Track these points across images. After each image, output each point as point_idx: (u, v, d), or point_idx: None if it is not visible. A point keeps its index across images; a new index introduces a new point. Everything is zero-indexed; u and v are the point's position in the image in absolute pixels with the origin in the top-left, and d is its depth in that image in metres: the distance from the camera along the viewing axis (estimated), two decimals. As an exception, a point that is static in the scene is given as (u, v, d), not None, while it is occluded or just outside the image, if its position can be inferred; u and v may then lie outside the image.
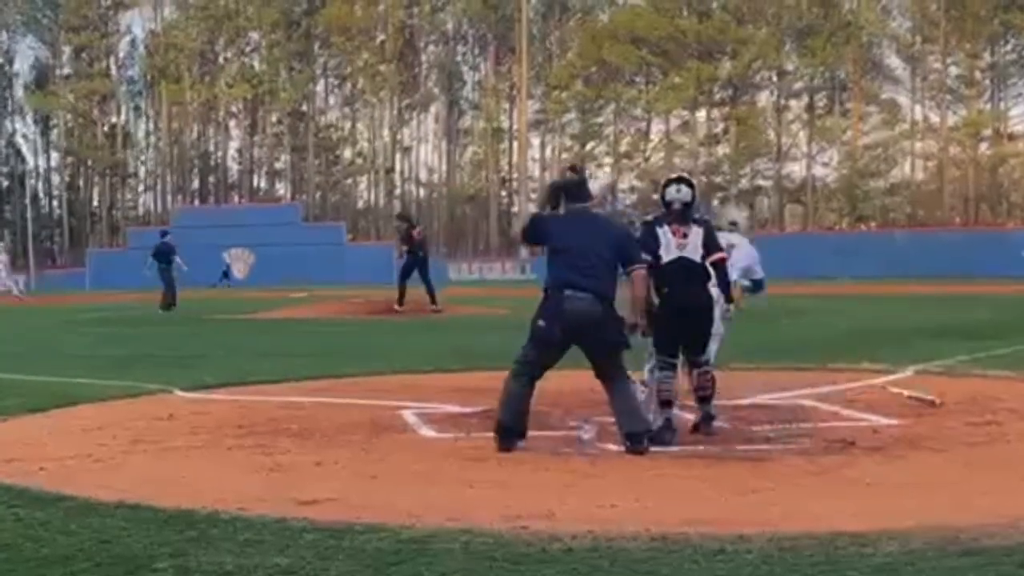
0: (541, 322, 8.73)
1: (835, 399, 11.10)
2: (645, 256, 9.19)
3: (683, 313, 9.39)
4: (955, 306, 29.02)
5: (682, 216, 9.51)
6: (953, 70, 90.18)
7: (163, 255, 35.35)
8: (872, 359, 14.51)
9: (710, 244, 9.51)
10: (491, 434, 8.91)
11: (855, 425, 9.55)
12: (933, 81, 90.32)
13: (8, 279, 50.72)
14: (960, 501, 6.68)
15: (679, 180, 9.86)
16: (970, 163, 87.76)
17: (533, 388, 8.86)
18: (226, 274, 68.56)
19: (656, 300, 9.36)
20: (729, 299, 9.81)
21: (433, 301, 29.14)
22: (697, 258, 9.40)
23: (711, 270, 9.53)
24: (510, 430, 8.69)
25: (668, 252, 9.38)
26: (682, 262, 9.36)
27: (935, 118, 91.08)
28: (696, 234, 9.44)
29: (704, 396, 9.50)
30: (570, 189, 9.28)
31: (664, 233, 9.43)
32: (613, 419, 9.19)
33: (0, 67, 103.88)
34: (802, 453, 8.28)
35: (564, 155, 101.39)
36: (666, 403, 9.41)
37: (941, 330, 20.39)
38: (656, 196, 10.09)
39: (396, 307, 29.14)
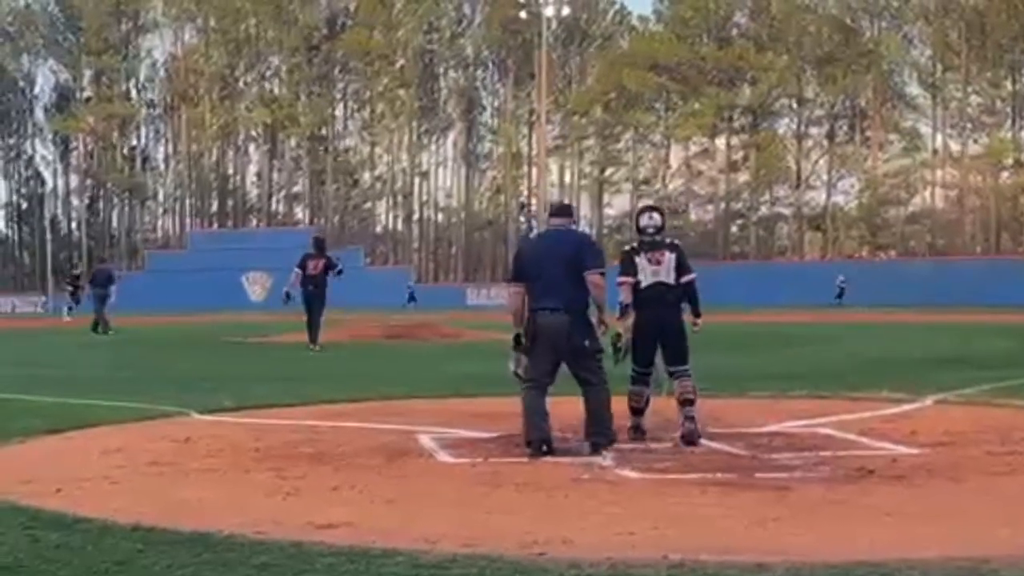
0: (524, 340, 9.84)
1: (854, 427, 11.04)
2: (625, 278, 10.51)
3: (659, 332, 10.48)
4: (976, 335, 28.92)
5: (655, 242, 10.64)
6: (974, 99, 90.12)
7: (103, 281, 36.48)
8: (892, 388, 14.44)
9: (682, 266, 10.62)
10: (509, 459, 9.13)
11: (874, 454, 9.49)
12: (954, 109, 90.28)
13: None
14: (980, 531, 6.63)
15: (651, 208, 11.37)
16: (991, 192, 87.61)
17: (545, 395, 9.78)
18: (412, 297, 69.78)
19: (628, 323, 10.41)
20: (697, 314, 10.86)
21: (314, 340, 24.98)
22: (671, 280, 10.52)
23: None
24: (541, 440, 9.47)
25: (646, 277, 10.49)
26: (658, 286, 10.47)
27: (956, 146, 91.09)
28: (669, 258, 10.55)
29: (686, 400, 10.36)
30: (552, 208, 10.60)
31: (641, 260, 10.55)
32: (630, 445, 9.93)
33: (21, 90, 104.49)
34: (821, 481, 8.23)
35: (583, 181, 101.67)
36: (636, 411, 10.57)
37: (962, 359, 20.32)
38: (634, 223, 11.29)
39: (314, 347, 24.68)
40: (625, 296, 10.49)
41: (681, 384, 10.41)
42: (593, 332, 9.70)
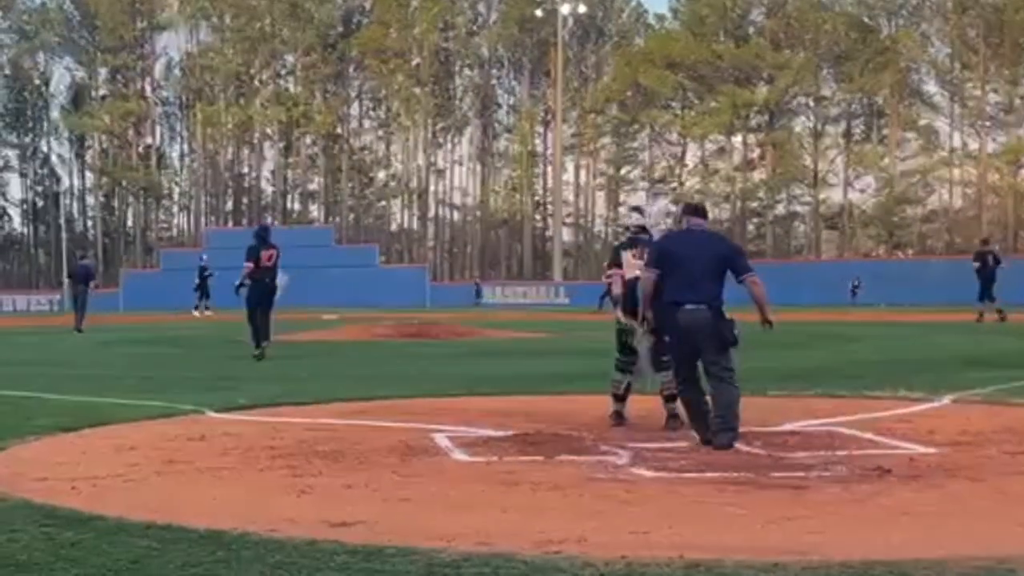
0: (666, 337, 10.33)
1: (871, 427, 11.00)
2: (614, 271, 11.50)
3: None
4: (994, 334, 28.81)
5: (639, 239, 11.48)
6: (992, 97, 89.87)
7: (82, 277, 36.76)
8: (909, 387, 14.38)
9: None
10: (524, 458, 9.17)
11: (891, 453, 9.45)
12: (972, 107, 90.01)
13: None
14: (998, 531, 6.59)
15: (634, 209, 12.30)
16: (1009, 190, 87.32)
17: (698, 386, 10.20)
18: (479, 293, 71.17)
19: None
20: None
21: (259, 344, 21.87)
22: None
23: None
24: (708, 440, 9.84)
25: (630, 271, 11.27)
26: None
27: (974, 145, 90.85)
28: None
29: (669, 395, 11.02)
30: (688, 208, 10.88)
31: (626, 255, 11.47)
32: (647, 443, 9.92)
33: (37, 88, 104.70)
34: (837, 481, 8.19)
35: (599, 179, 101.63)
36: (618, 398, 11.40)
37: (979, 358, 20.24)
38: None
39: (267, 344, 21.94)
40: (617, 287, 11.46)
41: (664, 378, 11.05)
42: (733, 327, 10.00)
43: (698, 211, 10.82)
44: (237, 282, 22.12)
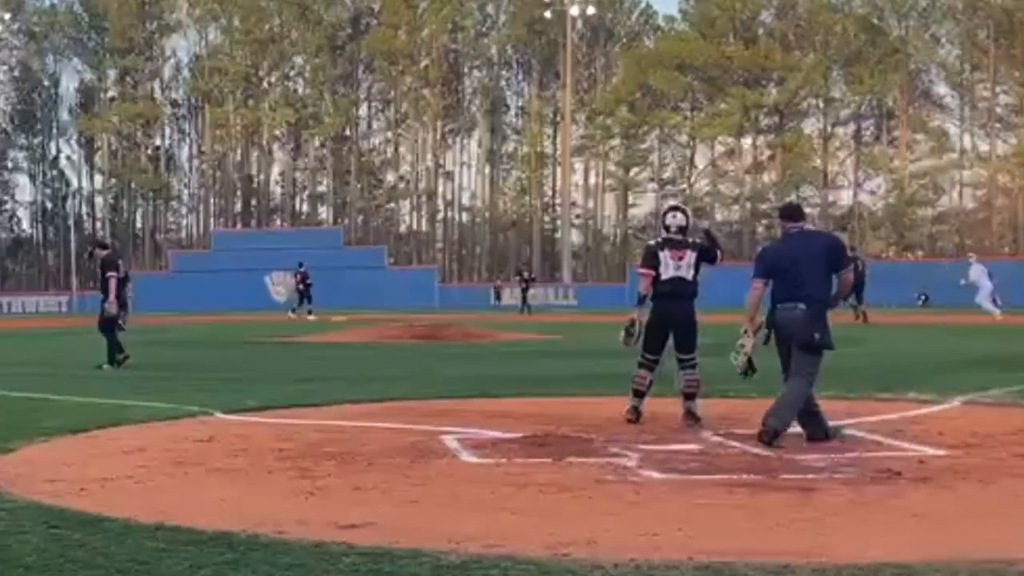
0: (765, 331, 10.47)
1: (881, 428, 10.99)
2: (646, 270, 11.63)
3: (673, 322, 11.55)
4: (1004, 336, 28.76)
5: (678, 240, 11.67)
6: (1003, 98, 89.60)
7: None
8: (918, 389, 14.37)
9: (707, 254, 11.81)
10: (533, 460, 9.20)
11: (901, 455, 9.44)
12: (982, 109, 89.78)
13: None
14: (1009, 533, 6.58)
15: (676, 208, 12.44)
16: (1019, 192, 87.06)
17: (807, 384, 10.26)
18: (498, 295, 70.82)
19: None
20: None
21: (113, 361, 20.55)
22: (689, 276, 11.59)
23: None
24: (777, 433, 9.88)
25: (667, 271, 11.54)
26: (676, 280, 11.52)
27: (984, 146, 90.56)
28: (690, 256, 11.61)
29: (689, 394, 11.57)
30: (786, 212, 11.00)
31: (664, 255, 11.59)
32: (656, 445, 9.94)
33: (46, 89, 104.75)
34: (847, 483, 8.19)
35: (608, 181, 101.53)
36: (638, 394, 11.57)
37: (989, 361, 20.19)
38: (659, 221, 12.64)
39: (107, 366, 20.48)
40: (644, 287, 11.68)
41: (687, 376, 11.59)
42: (826, 328, 10.17)
43: (793, 214, 10.84)
44: (111, 300, 20.48)
